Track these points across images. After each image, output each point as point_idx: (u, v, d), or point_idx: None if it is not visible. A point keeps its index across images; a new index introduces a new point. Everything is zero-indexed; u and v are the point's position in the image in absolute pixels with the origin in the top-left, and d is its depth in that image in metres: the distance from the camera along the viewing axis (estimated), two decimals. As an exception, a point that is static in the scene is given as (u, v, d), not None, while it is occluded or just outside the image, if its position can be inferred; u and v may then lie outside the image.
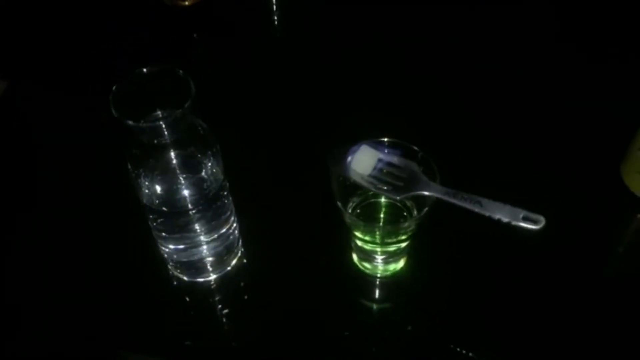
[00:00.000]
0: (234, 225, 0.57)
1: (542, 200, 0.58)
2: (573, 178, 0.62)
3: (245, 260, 0.58)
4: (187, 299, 0.57)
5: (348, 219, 0.51)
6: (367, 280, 0.57)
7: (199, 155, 0.52)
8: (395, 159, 0.51)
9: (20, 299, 0.57)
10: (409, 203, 0.54)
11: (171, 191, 0.52)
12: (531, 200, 0.58)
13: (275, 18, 0.84)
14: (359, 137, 0.52)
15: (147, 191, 0.51)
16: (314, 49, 0.77)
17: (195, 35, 0.83)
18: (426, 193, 0.49)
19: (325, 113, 0.69)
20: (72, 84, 0.75)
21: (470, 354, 0.52)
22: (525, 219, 0.46)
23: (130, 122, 0.43)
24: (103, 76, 0.73)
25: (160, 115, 0.48)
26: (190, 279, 0.57)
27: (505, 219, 0.46)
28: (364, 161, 0.51)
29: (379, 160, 0.51)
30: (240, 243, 0.58)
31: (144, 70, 0.46)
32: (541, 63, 0.73)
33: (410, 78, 0.72)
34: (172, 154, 0.50)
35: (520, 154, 0.64)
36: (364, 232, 0.52)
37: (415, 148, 0.51)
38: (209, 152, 0.52)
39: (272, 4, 0.84)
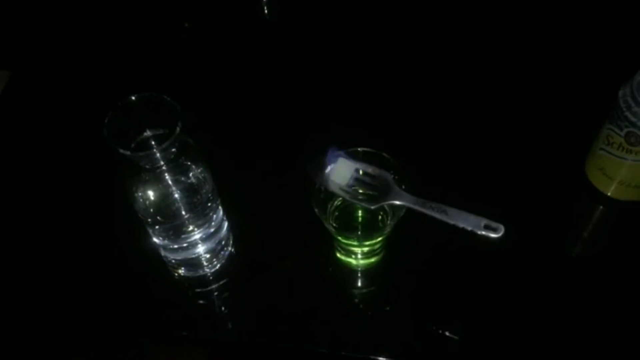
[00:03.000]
0: (225, 225, 0.61)
1: (514, 196, 0.64)
2: (542, 176, 0.66)
3: (236, 256, 0.63)
4: (185, 292, 0.62)
5: (327, 225, 0.55)
6: (348, 272, 0.62)
7: (189, 164, 0.56)
8: (370, 169, 0.55)
9: (27, 297, 0.62)
10: (385, 206, 0.58)
11: (165, 201, 0.56)
12: (503, 196, 0.63)
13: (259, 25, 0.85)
14: (338, 147, 0.55)
15: (141, 202, 0.55)
16: (295, 61, 0.80)
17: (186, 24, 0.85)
18: (397, 202, 0.53)
19: (306, 123, 0.71)
20: (75, 79, 0.79)
21: (440, 331, 0.58)
22: (487, 228, 0.50)
23: (127, 152, 0.47)
24: (106, 74, 0.78)
25: (150, 134, 0.52)
26: (187, 274, 0.62)
27: (468, 228, 0.50)
28: (340, 172, 0.54)
29: (355, 170, 0.55)
30: (231, 241, 0.63)
31: (132, 97, 0.50)
32: (506, 65, 0.76)
33: (386, 90, 0.74)
34: (164, 168, 0.54)
35: (492, 157, 0.68)
36: (343, 237, 0.57)
37: (389, 157, 0.55)
38: (198, 163, 0.56)
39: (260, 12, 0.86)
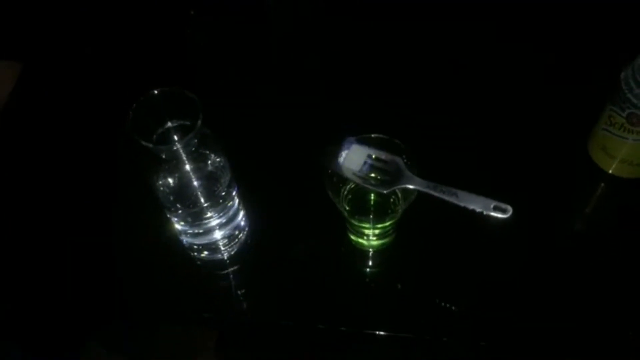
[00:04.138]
0: (242, 211, 0.63)
1: (520, 176, 0.66)
2: (547, 155, 0.68)
3: (252, 241, 0.65)
4: (204, 276, 0.64)
5: (340, 209, 0.58)
6: (361, 253, 0.65)
7: (207, 154, 0.58)
8: (382, 155, 0.57)
9: (68, 279, 0.65)
10: (397, 190, 0.60)
11: (184, 189, 0.58)
12: (510, 176, 0.65)
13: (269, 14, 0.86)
14: (350, 133, 0.57)
15: (162, 190, 0.57)
16: (307, 52, 0.81)
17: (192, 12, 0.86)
18: (410, 186, 0.55)
19: (319, 111, 0.73)
20: (86, 69, 0.80)
21: (448, 305, 0.60)
22: (496, 209, 0.52)
23: (150, 145, 0.49)
24: (115, 65, 0.79)
25: (171, 126, 0.54)
26: (206, 258, 0.64)
27: (478, 209, 0.53)
28: (354, 158, 0.56)
29: (368, 156, 0.57)
30: (247, 226, 0.65)
31: (155, 91, 0.51)
32: (511, 48, 0.77)
33: (396, 78, 0.76)
34: (184, 158, 0.56)
35: (499, 138, 0.70)
36: (356, 220, 0.59)
37: (400, 143, 0.57)
38: (217, 153, 0.58)
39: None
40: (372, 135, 0.57)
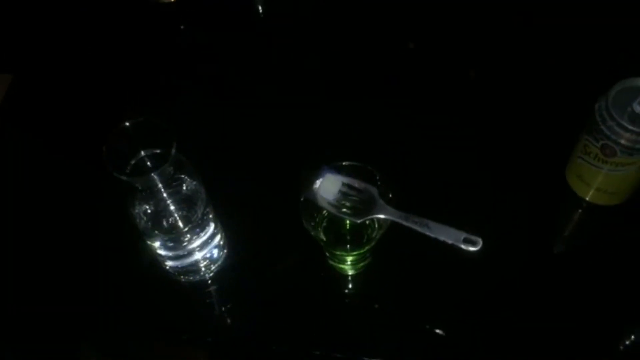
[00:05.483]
0: (220, 234, 0.64)
1: (499, 202, 0.67)
2: (525, 182, 0.68)
3: (232, 263, 0.65)
4: (185, 298, 0.65)
5: (316, 239, 0.58)
6: (339, 276, 0.65)
7: (183, 179, 0.59)
8: (356, 184, 0.57)
9: (43, 302, 0.66)
10: (372, 217, 0.61)
11: (161, 216, 0.59)
12: (489, 200, 0.66)
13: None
14: (325, 163, 0.58)
15: (139, 218, 0.58)
16: (282, 77, 0.80)
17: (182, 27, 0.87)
18: (382, 216, 0.56)
19: (295, 136, 0.73)
20: (78, 81, 0.81)
21: (427, 326, 0.61)
22: (466, 241, 0.53)
23: (124, 177, 0.50)
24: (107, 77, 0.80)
25: (144, 155, 0.55)
26: (187, 280, 0.65)
27: (449, 241, 0.53)
28: (328, 188, 0.57)
29: (342, 185, 0.57)
30: (226, 249, 0.66)
31: (127, 123, 0.52)
32: (488, 72, 0.78)
33: (372, 105, 0.76)
34: (160, 186, 0.57)
35: (478, 163, 0.70)
36: (333, 249, 0.60)
37: (374, 171, 0.57)
38: (192, 178, 0.59)
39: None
40: (345, 163, 0.58)
